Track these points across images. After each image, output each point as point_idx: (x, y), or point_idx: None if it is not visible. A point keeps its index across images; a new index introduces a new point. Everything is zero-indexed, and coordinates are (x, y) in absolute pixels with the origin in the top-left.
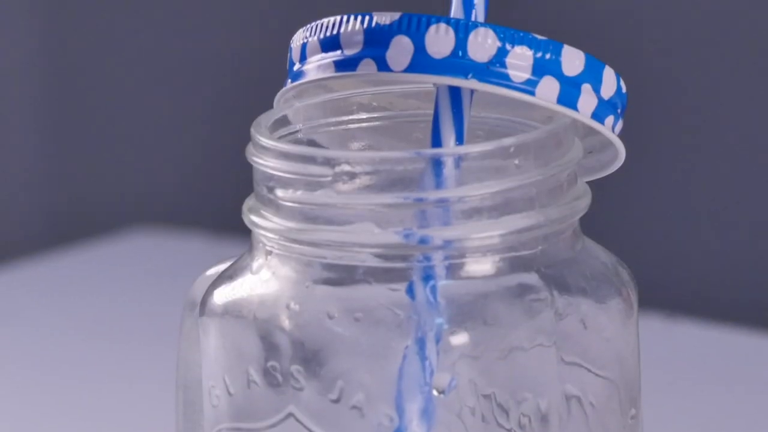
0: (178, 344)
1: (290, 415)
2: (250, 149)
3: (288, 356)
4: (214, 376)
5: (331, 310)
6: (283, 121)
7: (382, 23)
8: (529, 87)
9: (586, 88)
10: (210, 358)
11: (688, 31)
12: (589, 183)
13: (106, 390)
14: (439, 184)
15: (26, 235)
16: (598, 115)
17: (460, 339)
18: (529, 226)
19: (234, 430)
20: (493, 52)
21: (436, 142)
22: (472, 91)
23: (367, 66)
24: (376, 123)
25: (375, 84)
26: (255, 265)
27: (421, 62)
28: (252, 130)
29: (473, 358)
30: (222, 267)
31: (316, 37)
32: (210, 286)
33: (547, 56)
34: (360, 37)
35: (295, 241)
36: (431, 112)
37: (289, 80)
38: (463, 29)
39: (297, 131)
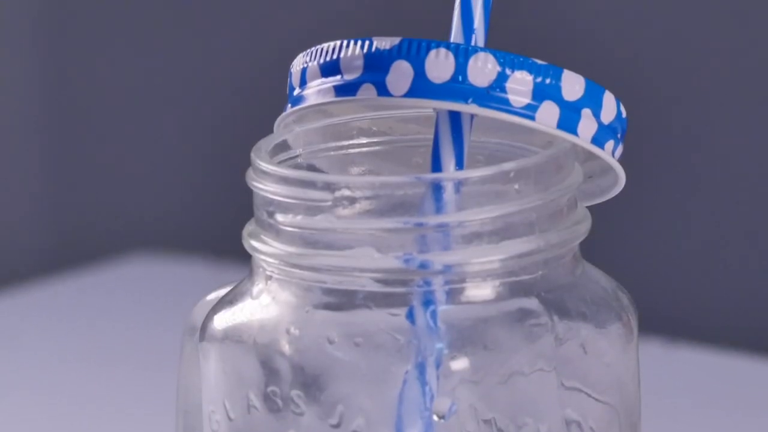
0: (178, 369)
1: None
2: (250, 174)
3: (288, 381)
4: (214, 401)
5: (331, 335)
6: (283, 146)
7: (382, 48)
8: (529, 112)
9: (586, 112)
10: (210, 383)
11: (689, 56)
12: (589, 208)
13: (107, 415)
14: (439, 209)
15: (28, 260)
16: (598, 140)
17: (460, 364)
18: (530, 251)
19: None
20: (493, 77)
21: (436, 166)
22: (472, 116)
23: (367, 91)
24: (376, 148)
25: (375, 109)
26: (255, 290)
27: (421, 87)
28: (252, 154)
29: (473, 383)
30: (222, 292)
31: (316, 62)
32: (210, 311)
33: (547, 81)
34: (360, 62)
35: (295, 265)
36: (431, 136)
37: (289, 105)
38: (463, 54)
39: (297, 156)
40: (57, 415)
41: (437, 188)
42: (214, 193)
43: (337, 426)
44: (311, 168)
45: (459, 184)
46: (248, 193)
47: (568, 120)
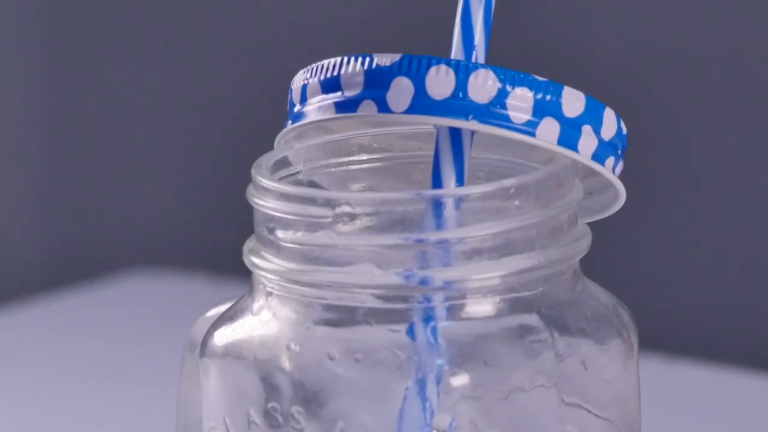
0: (178, 385)
1: None
2: (250, 190)
3: (288, 397)
4: (214, 417)
5: (331, 351)
6: (284, 162)
7: (383, 64)
8: (529, 128)
9: (587, 129)
10: (210, 399)
11: (689, 73)
12: (589, 224)
13: (107, 431)
14: (439, 225)
15: (27, 277)
16: (598, 157)
17: (460, 380)
18: (530, 267)
19: None
20: (494, 93)
21: (437, 183)
22: (472, 133)
23: (368, 107)
24: (377, 164)
25: (375, 125)
26: (255, 306)
27: (422, 103)
28: (252, 171)
29: (474, 399)
30: (222, 308)
31: (316, 79)
32: (210, 327)
33: (548, 97)
34: (360, 79)
35: (295, 282)
36: (432, 153)
37: (290, 121)
38: (463, 70)
39: (297, 172)
40: (57, 431)
41: (438, 204)
42: (214, 210)
43: None
44: (312, 184)
45: (459, 201)
46: (249, 209)
47: (569, 136)
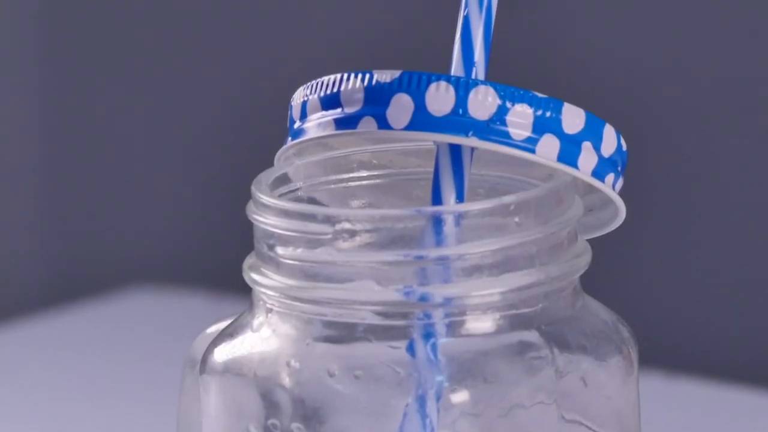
0: (178, 402)
1: None
2: (250, 207)
3: (288, 414)
4: None
5: (331, 368)
6: (284, 179)
7: (383, 81)
8: (529, 145)
9: (587, 145)
10: (210, 416)
11: (690, 89)
12: (589, 241)
13: None
14: (439, 242)
15: (27, 294)
16: (598, 173)
17: (460, 397)
18: (530, 284)
19: None
20: (494, 110)
21: (437, 199)
22: (472, 149)
23: (368, 124)
24: (377, 181)
25: (375, 142)
26: (255, 322)
27: (422, 120)
28: (252, 187)
29: (474, 415)
30: (222, 325)
31: (316, 95)
32: (210, 344)
33: (548, 114)
34: (360, 95)
35: (295, 298)
36: (431, 169)
37: (290, 138)
38: (463, 87)
39: (297, 189)
40: None
41: (437, 221)
42: (214, 226)
43: None
44: (312, 201)
45: (459, 217)
46: (248, 226)
47: (569, 153)
